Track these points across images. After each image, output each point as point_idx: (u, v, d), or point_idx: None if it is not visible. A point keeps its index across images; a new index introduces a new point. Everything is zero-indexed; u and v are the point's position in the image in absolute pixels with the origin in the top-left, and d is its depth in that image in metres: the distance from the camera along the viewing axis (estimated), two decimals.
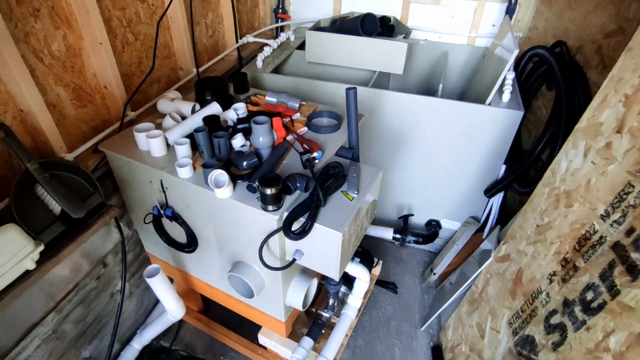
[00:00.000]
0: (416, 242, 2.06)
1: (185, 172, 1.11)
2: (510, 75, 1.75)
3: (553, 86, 1.76)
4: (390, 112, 1.85)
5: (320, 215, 1.03)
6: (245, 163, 1.10)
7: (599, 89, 1.04)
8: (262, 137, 1.12)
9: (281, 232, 1.03)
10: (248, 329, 1.55)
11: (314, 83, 1.88)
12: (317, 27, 2.19)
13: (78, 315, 1.46)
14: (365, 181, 1.15)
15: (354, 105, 1.20)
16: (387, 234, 2.07)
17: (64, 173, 1.16)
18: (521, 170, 1.66)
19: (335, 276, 1.11)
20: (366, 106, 1.86)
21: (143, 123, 1.25)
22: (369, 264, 1.63)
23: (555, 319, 1.05)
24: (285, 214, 1.02)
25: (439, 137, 1.84)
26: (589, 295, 0.93)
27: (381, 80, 2.29)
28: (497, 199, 1.88)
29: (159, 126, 1.30)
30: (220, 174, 1.02)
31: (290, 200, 1.05)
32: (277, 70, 2.22)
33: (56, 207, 1.11)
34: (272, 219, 1.01)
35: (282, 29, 2.59)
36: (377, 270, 1.83)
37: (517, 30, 2.29)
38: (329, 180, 1.10)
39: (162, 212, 1.26)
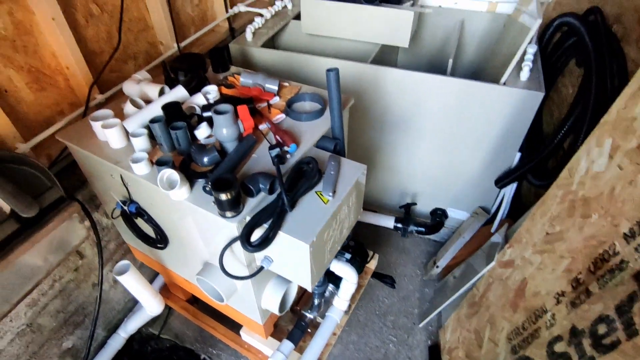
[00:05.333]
0: (419, 232, 1.90)
1: (140, 169, 0.98)
2: (532, 49, 1.51)
3: (583, 62, 1.51)
4: (393, 91, 1.65)
5: (287, 222, 0.90)
6: (205, 159, 0.97)
7: (638, 69, 0.83)
8: (225, 129, 0.98)
9: None
10: (236, 322, 1.47)
11: (308, 59, 1.69)
12: None
13: (57, 307, 1.41)
14: (345, 180, 1.00)
15: (336, 89, 1.03)
16: (389, 222, 1.92)
17: (15, 166, 1.06)
18: (537, 160, 1.46)
19: (308, 287, 0.99)
20: (366, 85, 1.66)
21: (101, 110, 1.12)
22: (362, 259, 1.50)
23: (559, 347, 0.90)
24: (248, 218, 0.89)
25: (446, 119, 1.64)
26: (601, 329, 0.78)
27: (388, 55, 2.07)
28: (510, 190, 1.69)
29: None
30: (171, 174, 0.89)
31: (254, 203, 0.92)
32: (273, 43, 2.03)
33: (5, 205, 1.02)
34: (231, 226, 0.88)
35: None
36: (372, 265, 1.71)
37: None
38: (300, 179, 0.96)
39: (125, 208, 1.15)
